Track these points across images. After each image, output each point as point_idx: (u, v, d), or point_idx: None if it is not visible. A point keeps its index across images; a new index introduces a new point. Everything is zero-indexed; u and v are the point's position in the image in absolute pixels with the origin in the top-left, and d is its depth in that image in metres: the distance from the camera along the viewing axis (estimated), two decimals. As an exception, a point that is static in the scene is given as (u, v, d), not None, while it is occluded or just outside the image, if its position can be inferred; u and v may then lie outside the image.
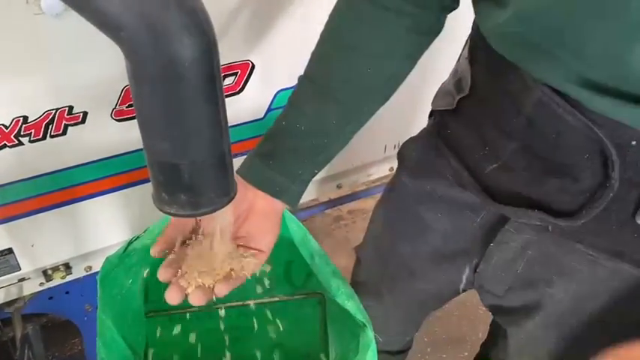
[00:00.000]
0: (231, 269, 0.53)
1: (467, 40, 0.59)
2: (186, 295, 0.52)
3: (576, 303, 0.58)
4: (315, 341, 0.86)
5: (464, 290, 0.71)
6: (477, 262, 0.63)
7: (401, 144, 1.11)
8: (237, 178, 0.57)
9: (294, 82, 0.88)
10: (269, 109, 0.89)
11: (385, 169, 1.17)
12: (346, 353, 0.69)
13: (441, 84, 0.67)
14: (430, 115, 1.10)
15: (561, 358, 0.65)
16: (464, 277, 0.67)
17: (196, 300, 0.51)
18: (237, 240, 0.56)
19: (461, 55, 0.60)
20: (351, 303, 0.61)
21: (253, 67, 0.82)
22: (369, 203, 1.97)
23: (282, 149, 0.56)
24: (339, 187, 1.16)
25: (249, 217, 0.57)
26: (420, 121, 1.10)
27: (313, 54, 0.58)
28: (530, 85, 0.47)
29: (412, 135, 1.09)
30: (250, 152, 0.59)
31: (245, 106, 0.86)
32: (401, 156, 0.71)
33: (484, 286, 0.65)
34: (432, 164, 0.64)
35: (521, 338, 0.66)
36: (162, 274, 0.52)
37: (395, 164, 1.17)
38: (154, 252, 0.54)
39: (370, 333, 0.58)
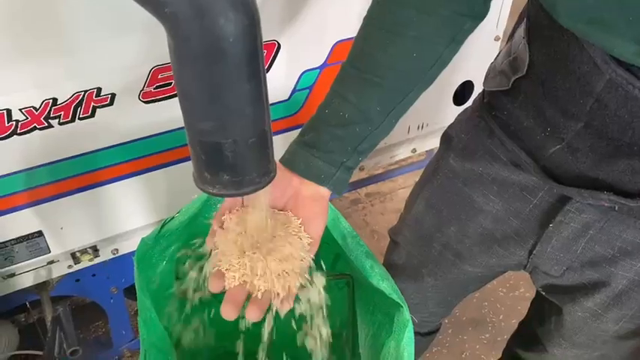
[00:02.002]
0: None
1: (521, 18, 0.57)
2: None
3: None
4: (343, 323, 0.86)
5: (506, 271, 0.70)
6: (533, 243, 0.63)
7: (425, 125, 1.11)
8: (281, 166, 0.57)
9: (319, 62, 0.88)
10: (294, 90, 0.88)
11: (408, 150, 1.16)
12: (378, 334, 0.69)
13: (480, 63, 0.65)
14: (455, 97, 1.10)
15: (622, 336, 0.64)
16: (516, 260, 0.66)
17: (253, 316, 0.50)
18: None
19: (514, 33, 0.59)
20: (385, 283, 0.61)
21: (279, 47, 0.81)
22: (387, 186, 1.98)
23: (325, 137, 0.55)
24: (361, 168, 1.15)
25: (297, 203, 0.56)
26: (446, 102, 1.09)
27: (356, 40, 0.57)
28: (600, 66, 0.45)
29: (436, 116, 1.09)
30: (294, 140, 0.58)
31: (270, 87, 0.83)
32: (447, 137, 0.69)
33: (539, 267, 0.65)
34: (483, 145, 0.63)
35: (579, 316, 0.66)
36: (213, 286, 0.52)
37: (418, 145, 1.17)
38: (208, 243, 0.54)
39: (406, 313, 0.58)
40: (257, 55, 0.39)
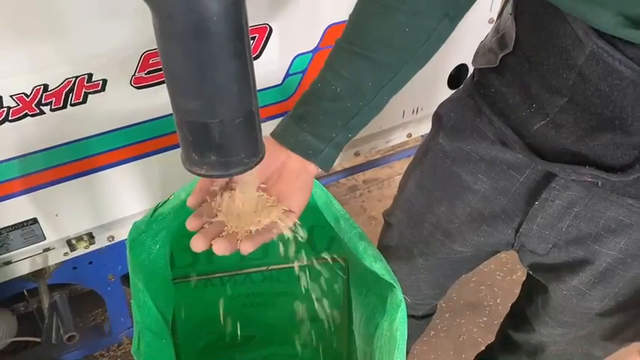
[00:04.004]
0: (259, 221, 0.53)
1: None
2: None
3: (625, 259, 0.58)
4: (339, 305, 0.87)
5: (497, 252, 0.70)
6: (520, 222, 0.63)
7: (420, 109, 1.11)
8: (270, 139, 0.57)
9: (312, 46, 0.88)
10: (287, 75, 0.88)
11: (403, 135, 1.16)
12: (372, 316, 0.69)
13: (474, 45, 0.65)
14: (450, 80, 1.09)
15: (604, 314, 0.65)
16: (503, 239, 0.66)
17: (220, 249, 0.50)
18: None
19: (503, 10, 0.59)
20: (378, 264, 0.61)
21: (271, 30, 0.80)
22: (385, 172, 1.98)
23: (316, 111, 0.56)
24: (356, 154, 1.15)
25: (281, 177, 0.56)
26: (440, 86, 1.09)
27: (351, 16, 0.57)
28: (582, 39, 0.46)
29: (431, 99, 1.09)
30: (286, 115, 0.59)
31: (263, 72, 0.85)
32: (437, 117, 0.70)
33: (526, 245, 0.65)
34: (471, 124, 0.63)
35: (564, 294, 0.66)
36: (190, 223, 0.52)
37: (413, 130, 1.17)
38: (190, 202, 0.54)
39: (399, 293, 0.58)
40: (242, 35, 0.39)
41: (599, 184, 0.54)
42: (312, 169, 0.57)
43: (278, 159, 0.56)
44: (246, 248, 0.51)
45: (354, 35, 0.56)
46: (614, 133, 0.49)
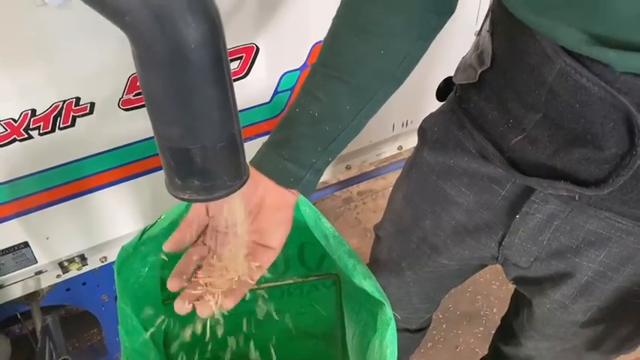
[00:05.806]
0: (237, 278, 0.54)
1: (488, 12, 0.58)
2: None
3: (605, 271, 0.58)
4: (331, 322, 0.87)
5: (484, 266, 0.70)
6: (503, 235, 0.63)
7: (409, 122, 1.11)
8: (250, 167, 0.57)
9: (299, 64, 0.89)
10: (275, 93, 0.88)
11: (394, 148, 1.17)
12: (364, 332, 0.69)
13: (461, 58, 0.66)
14: (438, 92, 1.10)
15: (589, 327, 0.65)
16: (488, 252, 0.67)
17: (203, 312, 0.52)
18: (249, 235, 0.56)
19: (482, 27, 0.60)
20: (367, 282, 0.61)
21: (258, 50, 0.81)
22: (379, 184, 1.99)
23: (295, 137, 0.56)
24: (348, 168, 1.16)
25: (260, 212, 0.57)
26: (429, 99, 1.09)
27: (326, 39, 0.57)
28: (551, 56, 0.46)
29: (420, 112, 1.09)
30: (264, 142, 0.59)
31: (251, 90, 0.86)
32: (422, 131, 0.70)
33: (509, 259, 0.65)
34: (454, 138, 0.64)
35: (548, 308, 0.66)
36: (171, 284, 0.54)
37: (404, 143, 1.18)
38: (166, 248, 0.54)
39: (389, 311, 0.58)
40: (221, 60, 0.40)
41: (577, 197, 0.54)
42: (292, 199, 0.58)
43: (256, 194, 0.56)
44: (228, 305, 0.53)
45: (330, 59, 0.56)
46: (586, 148, 0.49)
